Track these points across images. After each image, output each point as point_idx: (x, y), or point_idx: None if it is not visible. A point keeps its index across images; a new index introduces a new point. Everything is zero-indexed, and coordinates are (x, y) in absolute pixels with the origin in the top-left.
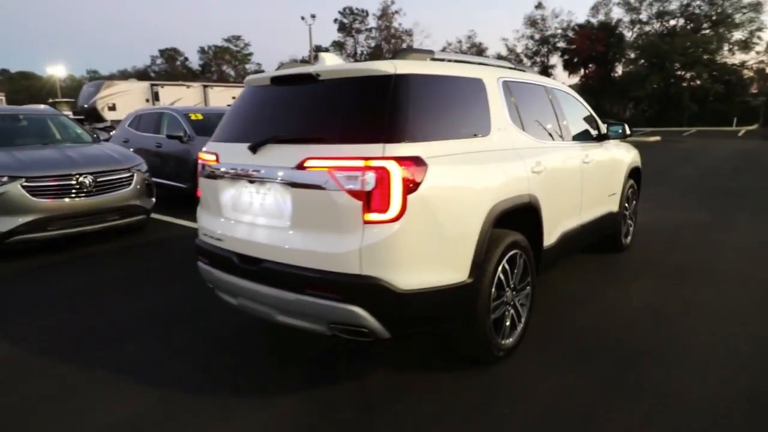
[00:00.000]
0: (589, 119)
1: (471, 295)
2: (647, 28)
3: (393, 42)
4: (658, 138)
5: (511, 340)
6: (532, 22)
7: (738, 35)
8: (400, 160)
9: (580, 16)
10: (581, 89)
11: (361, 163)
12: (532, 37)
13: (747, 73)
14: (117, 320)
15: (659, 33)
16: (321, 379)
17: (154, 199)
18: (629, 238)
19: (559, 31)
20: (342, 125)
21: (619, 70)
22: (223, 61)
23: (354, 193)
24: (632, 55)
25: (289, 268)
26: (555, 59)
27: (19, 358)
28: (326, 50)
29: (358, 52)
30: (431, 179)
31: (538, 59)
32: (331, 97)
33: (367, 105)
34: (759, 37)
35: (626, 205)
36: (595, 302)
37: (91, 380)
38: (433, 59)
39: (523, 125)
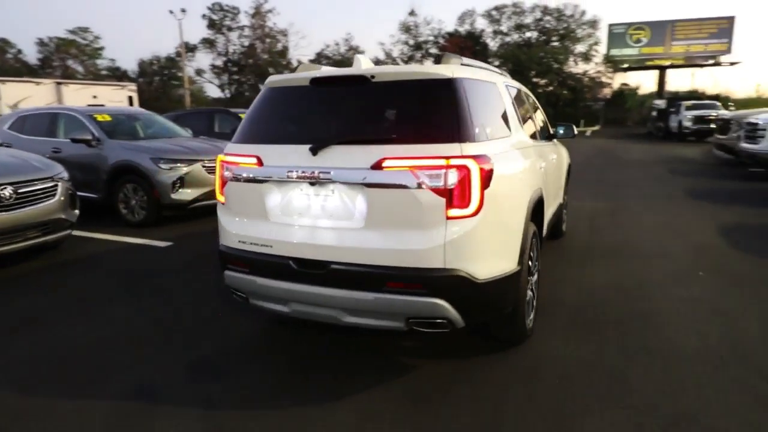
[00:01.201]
0: (545, 120)
1: (519, 281)
2: (508, 39)
3: (268, 41)
4: None
5: (530, 319)
6: (406, 28)
7: (580, 48)
8: (476, 158)
9: (449, 25)
10: None
11: (443, 162)
12: (406, 43)
13: (588, 81)
14: (94, 348)
15: (518, 43)
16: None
17: (77, 211)
18: (565, 225)
19: (431, 37)
20: (413, 126)
21: None
22: (68, 55)
23: (437, 191)
24: (496, 63)
25: (366, 268)
26: (428, 64)
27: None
28: (195, 47)
29: (230, 50)
30: (496, 176)
31: (413, 64)
32: (390, 99)
33: (435, 106)
34: (596, 50)
35: (565, 196)
36: (566, 282)
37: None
38: (462, 64)
39: (522, 126)
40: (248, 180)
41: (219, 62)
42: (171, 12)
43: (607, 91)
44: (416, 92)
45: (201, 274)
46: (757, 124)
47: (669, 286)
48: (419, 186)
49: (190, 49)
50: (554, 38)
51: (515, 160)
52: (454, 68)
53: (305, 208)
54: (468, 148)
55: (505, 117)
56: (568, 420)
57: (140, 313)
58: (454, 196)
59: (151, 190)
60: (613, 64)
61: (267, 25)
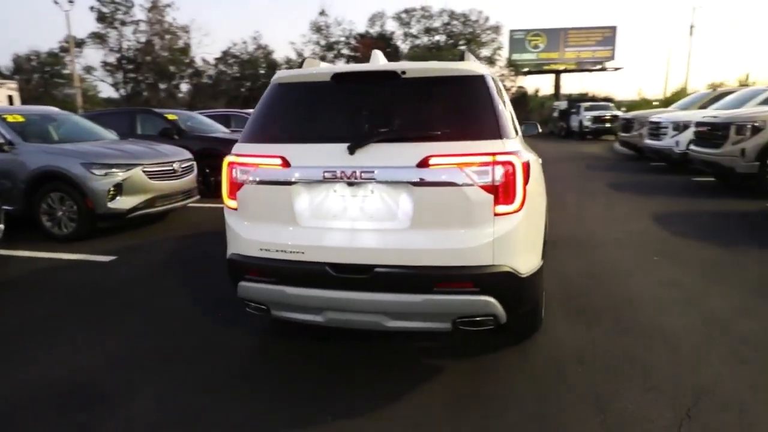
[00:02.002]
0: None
1: (542, 275)
2: (418, 41)
3: (168, 38)
4: None
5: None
6: (317, 28)
7: (485, 52)
8: (517, 153)
9: (360, 26)
10: None
11: (489, 159)
12: (318, 43)
13: None
14: (84, 378)
15: (428, 46)
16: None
17: (3, 226)
18: None
19: (342, 38)
20: (453, 123)
21: None
22: None
23: (486, 188)
24: None
25: (414, 269)
26: (341, 64)
27: None
28: (82, 42)
29: (124, 46)
30: (531, 172)
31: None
32: (424, 95)
33: (472, 103)
34: (499, 54)
35: None
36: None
37: None
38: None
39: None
40: (272, 182)
41: (112, 59)
42: (56, 2)
43: (513, 94)
44: (451, 88)
45: (166, 288)
46: (660, 122)
47: (635, 272)
48: (468, 183)
49: (78, 44)
50: (461, 42)
51: (530, 155)
52: (478, 65)
53: (341, 210)
54: (508, 144)
55: (511, 113)
56: (608, 403)
57: (119, 336)
58: (501, 193)
59: (82, 200)
60: (515, 68)
61: (166, 21)
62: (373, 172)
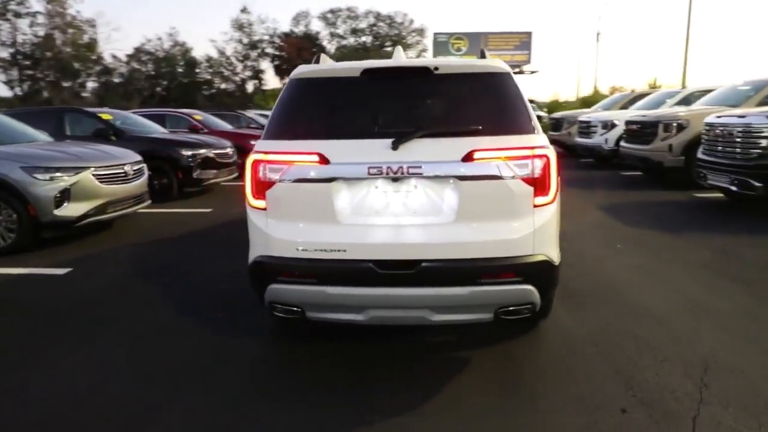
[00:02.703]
0: None
1: None
2: (344, 42)
3: (71, 32)
4: None
5: None
6: (239, 26)
7: (412, 54)
8: (549, 147)
9: (284, 25)
10: None
11: (529, 152)
12: (240, 41)
13: None
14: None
15: (355, 47)
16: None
17: None
18: None
19: (266, 37)
20: (491, 117)
21: None
22: None
23: (527, 180)
24: None
25: (461, 262)
26: (266, 64)
27: None
28: None
29: (20, 40)
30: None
31: (249, 63)
32: (458, 91)
33: (505, 98)
34: (425, 56)
35: None
36: None
37: None
38: None
39: None
40: (310, 180)
41: (5, 54)
42: None
43: None
44: (483, 84)
45: (144, 299)
46: (589, 122)
47: (606, 259)
48: (511, 176)
49: None
50: (388, 44)
51: None
52: (501, 62)
53: (383, 206)
54: (540, 138)
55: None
56: (632, 378)
57: (116, 353)
58: (539, 185)
59: (23, 207)
60: None
61: (68, 13)
62: (420, 167)
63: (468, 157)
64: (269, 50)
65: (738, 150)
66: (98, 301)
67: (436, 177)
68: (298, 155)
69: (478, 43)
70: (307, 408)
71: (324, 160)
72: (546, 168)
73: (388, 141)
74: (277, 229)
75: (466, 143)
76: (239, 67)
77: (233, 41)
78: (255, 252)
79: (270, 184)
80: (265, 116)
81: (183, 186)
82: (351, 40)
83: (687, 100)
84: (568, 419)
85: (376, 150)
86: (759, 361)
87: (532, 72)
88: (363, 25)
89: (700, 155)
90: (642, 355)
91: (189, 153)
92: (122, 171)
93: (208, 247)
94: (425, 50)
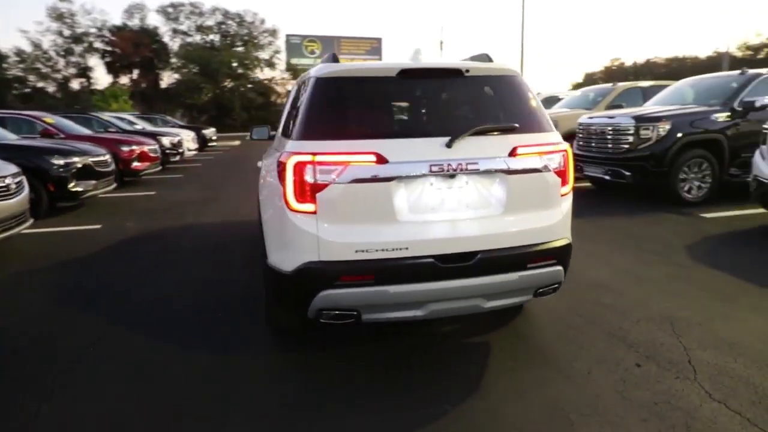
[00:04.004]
0: None
1: None
2: (190, 39)
3: None
4: (238, 142)
5: None
6: (57, 16)
7: (264, 55)
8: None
9: (115, 18)
10: (133, 95)
11: (556, 147)
12: (60, 33)
13: (278, 88)
14: None
15: (203, 45)
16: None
17: None
18: None
19: (94, 30)
20: (520, 116)
21: (166, 77)
22: None
23: (557, 172)
24: (180, 64)
25: (511, 251)
26: (95, 60)
27: None
28: None
29: None
30: None
31: (73, 59)
32: (486, 92)
33: (525, 99)
34: (278, 58)
35: None
36: None
37: None
38: None
39: None
40: (369, 180)
41: None
42: None
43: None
44: (507, 85)
45: (90, 335)
46: None
47: None
48: (546, 169)
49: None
50: (238, 43)
51: None
52: (511, 65)
53: (439, 202)
54: (558, 135)
55: None
56: (626, 338)
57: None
58: (564, 176)
59: None
60: (294, 72)
61: None
62: (475, 163)
63: (512, 153)
64: (98, 45)
65: (610, 145)
66: (37, 341)
67: (486, 172)
68: (355, 155)
69: (331, 46)
70: (348, 411)
71: (382, 160)
72: (567, 161)
73: (442, 139)
74: (332, 233)
75: (509, 140)
76: (60, 63)
77: (51, 33)
78: (300, 259)
79: (322, 186)
80: (129, 120)
81: (55, 201)
82: (197, 38)
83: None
84: (602, 380)
85: (432, 148)
86: (705, 313)
87: None
88: (210, 22)
89: (575, 151)
90: (620, 319)
91: (62, 162)
92: (4, 185)
93: (127, 265)
94: (278, 52)
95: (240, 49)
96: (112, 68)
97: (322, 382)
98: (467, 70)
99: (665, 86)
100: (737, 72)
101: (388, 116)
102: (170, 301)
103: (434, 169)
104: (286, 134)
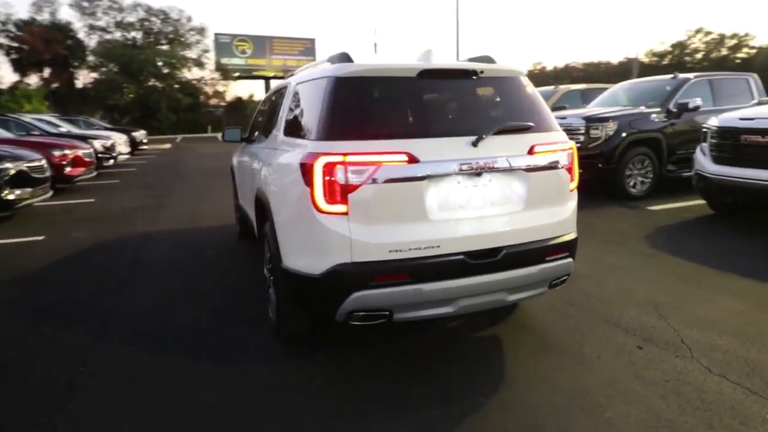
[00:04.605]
0: None
1: None
2: (109, 36)
3: None
4: (169, 145)
5: None
6: None
7: (192, 54)
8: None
9: (21, 11)
10: (47, 95)
11: (566, 146)
12: None
13: (207, 88)
14: None
15: (124, 43)
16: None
17: None
18: None
19: None
20: (532, 116)
21: (83, 76)
22: None
23: (567, 169)
24: (98, 62)
25: (532, 245)
26: None
27: None
28: None
29: None
30: None
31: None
32: (498, 92)
33: (535, 100)
34: (207, 57)
35: None
36: None
37: None
38: None
39: None
40: (402, 180)
41: None
42: None
43: (227, 98)
44: (516, 87)
45: (68, 361)
46: None
47: None
48: (559, 166)
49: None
50: (163, 41)
51: None
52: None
53: (466, 200)
54: (564, 134)
55: None
56: (620, 323)
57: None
58: (572, 172)
59: None
60: (224, 72)
61: None
62: (501, 161)
63: (530, 151)
64: (2, 41)
65: None
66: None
67: (509, 170)
68: (387, 155)
69: (263, 46)
70: (383, 412)
71: (413, 159)
72: (573, 158)
73: (468, 138)
74: (365, 233)
75: (527, 139)
76: None
77: None
78: (330, 261)
79: (354, 186)
80: (52, 123)
81: None
82: (117, 35)
83: None
84: (613, 364)
85: (459, 147)
86: (680, 296)
87: None
88: (132, 18)
89: None
90: (609, 307)
91: None
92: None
93: (94, 279)
94: (207, 51)
95: (165, 47)
96: (19, 66)
97: (346, 387)
98: (481, 71)
99: (601, 89)
100: (670, 76)
101: (414, 116)
102: (157, 313)
103: (463, 167)
104: (295, 134)
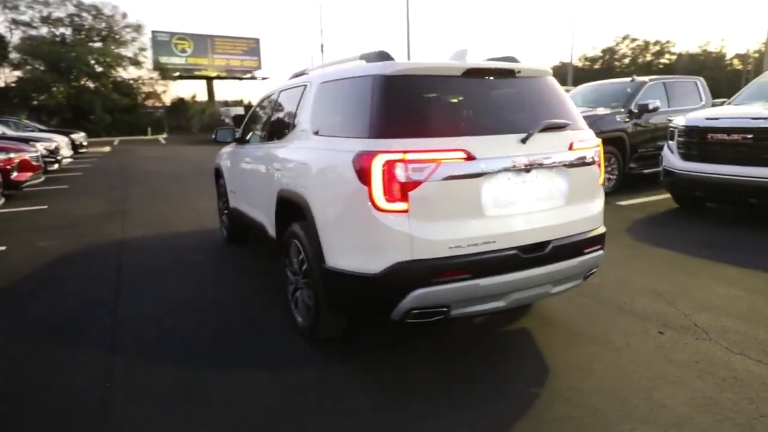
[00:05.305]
0: None
1: None
2: (34, 32)
3: None
4: (108, 148)
5: None
6: None
7: (128, 52)
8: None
9: None
10: None
11: (595, 143)
12: None
13: (145, 88)
14: None
15: (52, 39)
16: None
17: None
18: None
19: None
20: (565, 114)
21: (4, 74)
22: None
23: (598, 165)
24: (22, 59)
25: (574, 238)
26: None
27: None
28: None
29: None
30: None
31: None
32: (536, 91)
33: (564, 98)
34: (145, 56)
35: None
36: None
37: None
38: None
39: None
40: (461, 177)
41: None
42: None
43: (166, 99)
44: (548, 86)
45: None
46: None
47: None
48: (593, 162)
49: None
50: (96, 38)
51: None
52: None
53: (517, 196)
54: (591, 131)
55: None
56: (636, 311)
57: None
58: (601, 168)
59: None
60: (163, 71)
61: None
62: (548, 157)
63: (570, 147)
64: None
65: None
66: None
67: (553, 166)
68: (446, 153)
69: (204, 45)
70: (441, 411)
71: (470, 156)
72: (601, 155)
73: (517, 136)
74: (426, 231)
75: (566, 136)
76: None
77: None
78: (389, 259)
79: (414, 184)
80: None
81: None
82: (44, 31)
83: None
84: (642, 349)
85: (510, 144)
86: (680, 285)
87: (264, 78)
88: (60, 13)
89: None
90: (618, 296)
91: None
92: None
93: (84, 289)
94: (144, 49)
95: (98, 44)
96: None
97: (395, 389)
98: (519, 71)
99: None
100: (629, 79)
101: (466, 114)
102: (164, 322)
103: (516, 164)
104: (333, 133)
